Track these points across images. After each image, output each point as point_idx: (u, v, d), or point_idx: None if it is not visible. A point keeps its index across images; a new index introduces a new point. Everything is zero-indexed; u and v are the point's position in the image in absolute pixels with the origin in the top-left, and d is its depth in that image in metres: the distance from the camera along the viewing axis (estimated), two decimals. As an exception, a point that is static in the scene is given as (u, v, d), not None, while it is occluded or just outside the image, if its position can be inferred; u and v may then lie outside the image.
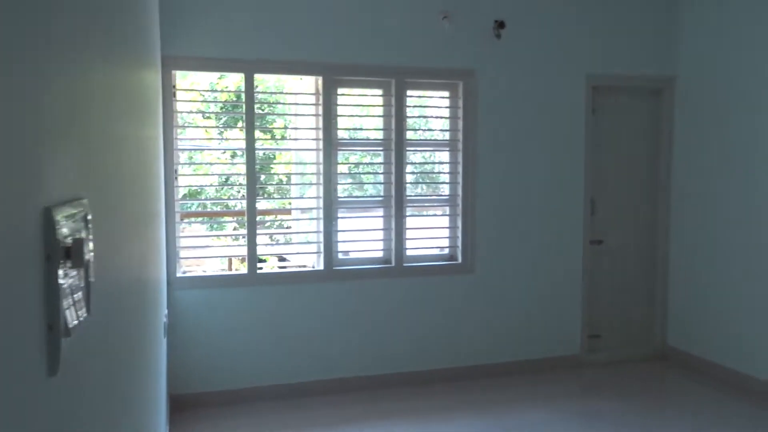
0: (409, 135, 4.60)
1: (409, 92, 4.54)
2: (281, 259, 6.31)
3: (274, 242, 6.05)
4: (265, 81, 8.73)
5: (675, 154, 5.11)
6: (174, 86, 4.08)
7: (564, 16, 4.79)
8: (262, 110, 4.65)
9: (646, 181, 5.18)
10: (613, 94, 5.02)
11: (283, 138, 8.17)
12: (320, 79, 4.33)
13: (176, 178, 4.11)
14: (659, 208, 5.18)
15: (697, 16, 4.87)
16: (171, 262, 4.02)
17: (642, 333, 5.25)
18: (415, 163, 4.86)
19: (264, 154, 9.78)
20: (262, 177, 4.87)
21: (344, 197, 4.56)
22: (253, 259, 4.24)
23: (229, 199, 7.74)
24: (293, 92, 4.81)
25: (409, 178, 4.64)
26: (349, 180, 5.18)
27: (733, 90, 4.58)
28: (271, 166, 9.44)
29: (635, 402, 4.31)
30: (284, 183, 6.27)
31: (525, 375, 4.79)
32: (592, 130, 4.93)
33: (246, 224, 4.22)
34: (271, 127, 8.51)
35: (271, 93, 6.31)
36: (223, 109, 5.35)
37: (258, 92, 4.60)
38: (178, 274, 4.10)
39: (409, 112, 4.59)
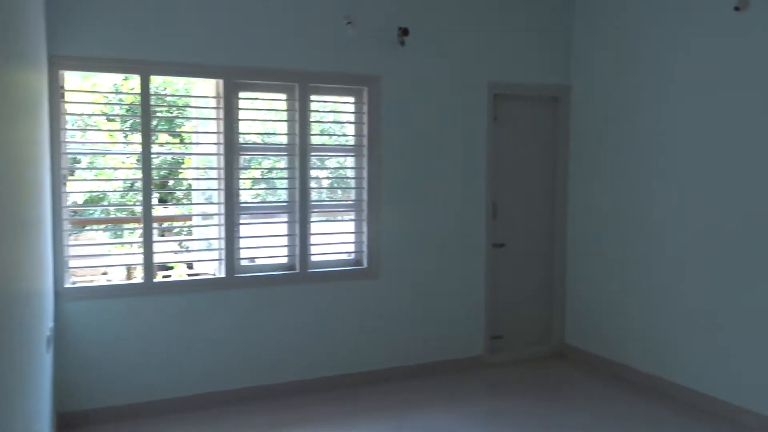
0: (315, 140, 4.58)
1: (313, 97, 4.52)
2: (190, 266, 6.13)
3: (184, 249, 5.87)
4: (174, 83, 8.49)
5: (571, 160, 5.34)
6: (62, 87, 3.88)
7: (467, 26, 4.91)
8: (171, 113, 4.51)
9: (545, 185, 5.38)
10: (514, 101, 5.19)
11: (190, 143, 7.96)
12: (221, 83, 4.24)
13: (65, 183, 3.91)
14: (557, 212, 5.39)
15: (589, 31, 5.11)
16: (58, 272, 3.82)
17: (542, 332, 5.45)
18: (320, 168, 4.84)
19: (173, 158, 9.46)
20: (171, 182, 4.73)
21: (248, 203, 4.47)
22: (150, 267, 4.09)
23: (134, 204, 7.45)
24: (194, 95, 4.67)
25: (314, 183, 4.62)
26: (263, 185, 5.09)
27: (621, 99, 4.84)
28: (180, 171, 9.19)
29: (536, 399, 4.46)
30: (189, 189, 6.09)
31: (429, 377, 4.86)
32: (493, 137, 5.08)
33: (143, 231, 4.07)
34: (179, 130, 8.26)
35: (180, 96, 6.14)
36: (129, 112, 5.13)
37: (168, 95, 4.49)
38: (67, 285, 3.89)
39: (314, 117, 4.57)
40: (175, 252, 5.10)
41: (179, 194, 6.06)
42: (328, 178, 5.02)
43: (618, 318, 4.92)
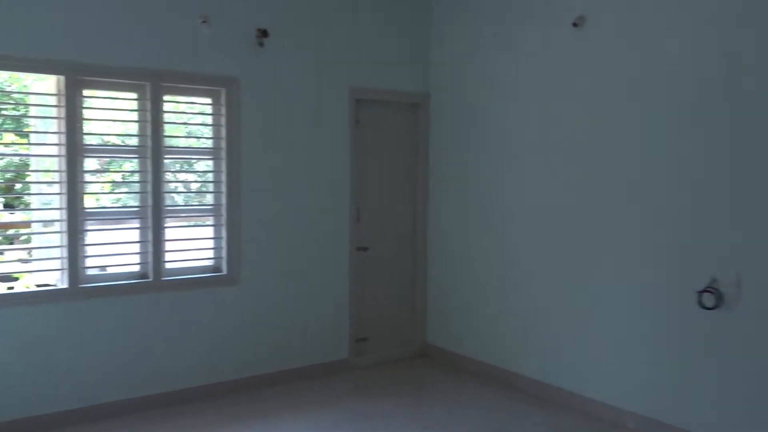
0: (170, 142, 4.40)
1: (167, 97, 4.34)
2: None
3: (30, 258, 5.40)
4: (21, 79, 7.81)
5: (431, 164, 5.51)
6: None
7: (329, 31, 4.93)
8: (18, 111, 4.14)
9: (407, 189, 5.51)
10: (376, 107, 5.27)
11: (33, 143, 7.36)
12: (63, 79, 3.96)
13: None
14: (418, 215, 5.54)
15: (447, 41, 5.31)
16: None
17: (406, 333, 5.57)
18: (176, 172, 4.65)
19: (21, 160, 8.69)
20: (18, 185, 4.37)
21: (94, 208, 4.20)
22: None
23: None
24: (33, 92, 4.31)
25: (169, 187, 4.43)
26: (125, 189, 4.76)
27: (474, 107, 5.06)
28: (27, 173, 8.48)
29: (400, 399, 4.55)
30: (30, 193, 5.63)
31: (295, 383, 4.82)
32: (356, 141, 5.13)
33: (-30, 240, 3.70)
34: (27, 130, 7.60)
35: (28, 93, 5.63)
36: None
37: (14, 92, 4.18)
38: None
39: (169, 118, 4.39)
40: (23, 261, 4.68)
41: (27, 199, 5.58)
42: (184, 181, 4.82)
43: (472, 316, 5.13)
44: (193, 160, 4.64)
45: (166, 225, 4.35)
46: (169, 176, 4.45)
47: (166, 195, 4.38)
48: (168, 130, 4.39)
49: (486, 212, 5.00)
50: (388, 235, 5.41)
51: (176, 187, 4.68)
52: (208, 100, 4.56)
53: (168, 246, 4.36)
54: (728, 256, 3.53)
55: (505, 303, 4.86)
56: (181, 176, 4.78)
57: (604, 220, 4.16)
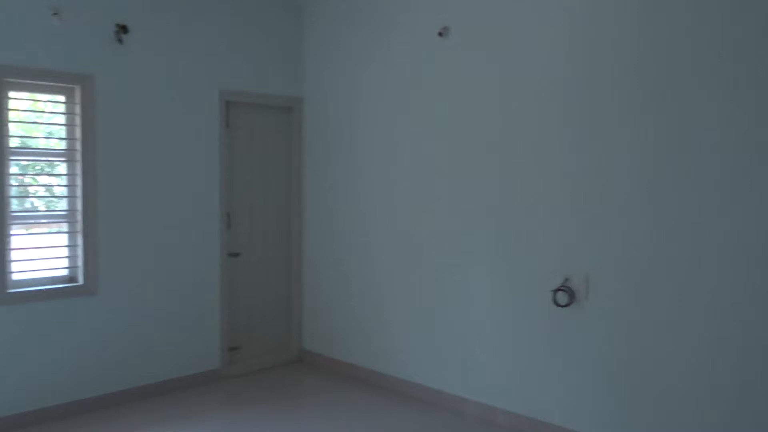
0: (17, 143, 4.05)
1: (13, 94, 4.00)
2: None
3: None
4: None
5: (304, 169, 5.47)
6: None
7: (197, 30, 4.75)
8: None
9: (281, 194, 5.43)
10: (248, 110, 5.15)
11: None
12: None
13: None
14: (292, 220, 5.48)
15: (320, 46, 5.29)
16: None
17: (280, 340, 5.48)
18: (23, 175, 4.29)
19: None
20: None
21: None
22: None
23: None
24: None
25: (14, 191, 4.07)
26: None
27: (347, 113, 5.08)
28: None
29: (273, 407, 4.45)
30: None
31: (162, 397, 4.59)
32: (226, 145, 4.99)
33: None
34: None
35: None
36: None
37: None
38: None
39: (16, 116, 4.04)
40: None
41: None
42: (33, 185, 4.45)
43: (347, 320, 5.14)
44: (46, 163, 4.30)
45: (12, 233, 4.00)
46: (15, 179, 4.09)
47: (12, 200, 4.03)
48: (18, 129, 4.05)
49: (358, 216, 5.03)
50: (261, 241, 5.30)
51: (25, 191, 4.31)
52: (62, 98, 4.25)
53: (15, 255, 4.01)
54: (578, 257, 3.76)
55: (378, 306, 4.91)
56: (33, 180, 4.41)
57: (470, 222, 4.30)
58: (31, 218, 4.25)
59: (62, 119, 4.27)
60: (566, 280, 3.82)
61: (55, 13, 4.03)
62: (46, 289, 4.13)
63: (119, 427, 4.06)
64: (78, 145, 4.24)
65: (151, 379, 4.62)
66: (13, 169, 4.05)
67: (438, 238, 4.49)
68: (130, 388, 4.50)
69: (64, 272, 4.28)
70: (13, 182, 4.05)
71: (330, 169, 5.25)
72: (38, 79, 4.06)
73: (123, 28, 4.30)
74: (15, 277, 4.03)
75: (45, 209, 4.27)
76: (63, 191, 4.29)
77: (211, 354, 4.96)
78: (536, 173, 3.94)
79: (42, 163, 4.24)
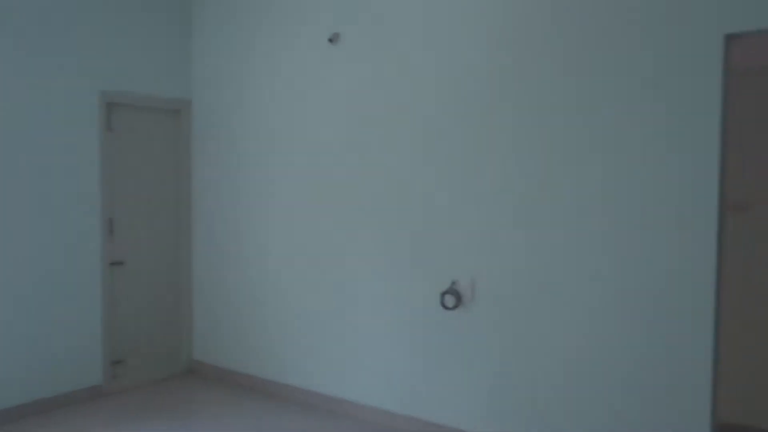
0: None
1: None
2: None
3: None
4: None
5: (193, 173, 5.31)
6: None
7: (75, 29, 4.50)
8: None
9: (169, 200, 5.24)
10: (132, 112, 4.93)
11: None
12: None
13: None
14: (182, 227, 5.30)
15: (208, 49, 5.16)
16: None
17: (169, 351, 5.28)
18: None
19: None
20: None
21: None
22: None
23: None
24: None
25: None
26: None
27: (236, 118, 4.99)
28: None
29: (163, 421, 4.27)
30: None
31: (39, 416, 4.30)
32: (108, 148, 4.76)
33: None
34: None
35: None
36: None
37: None
38: None
39: None
40: None
41: None
42: None
43: (239, 329, 5.04)
44: None
45: None
46: None
47: None
48: None
49: (247, 221, 4.95)
50: (147, 248, 5.09)
51: None
52: None
53: None
54: (465, 262, 3.89)
55: (272, 313, 4.85)
56: None
57: (359, 228, 4.34)
58: None
59: None
60: (453, 283, 3.93)
61: None
62: None
63: (-14, 452, 3.78)
64: (-64, 149, 3.90)
65: (28, 398, 4.32)
66: None
67: (328, 244, 4.49)
68: (4, 408, 4.18)
69: None
70: None
71: (220, 173, 5.13)
72: None
73: (-12, 23, 4.00)
74: None
75: None
76: None
77: (93, 369, 4.71)
78: (423, 178, 4.03)
79: None
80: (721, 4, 3.00)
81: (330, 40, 4.39)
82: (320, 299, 4.55)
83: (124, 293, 4.93)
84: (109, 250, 4.78)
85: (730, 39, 3.06)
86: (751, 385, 4.02)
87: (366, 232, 4.31)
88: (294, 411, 4.51)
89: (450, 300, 3.93)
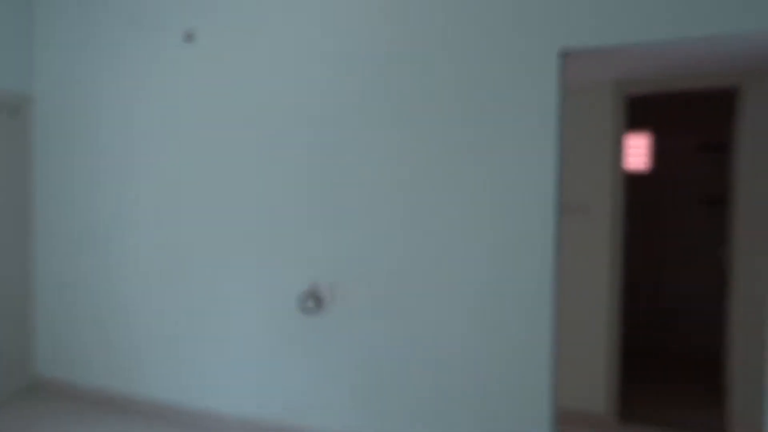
0: None
1: None
2: None
3: None
4: None
5: (36, 178, 4.92)
6: None
7: None
8: None
9: (8, 205, 4.82)
10: (-38, 107, 4.48)
11: None
12: None
13: None
14: (22, 234, 4.89)
15: (52, 43, 4.81)
16: None
17: (8, 367, 4.85)
18: None
19: None
20: None
21: None
22: None
23: None
24: None
25: None
26: None
27: (86, 119, 4.69)
28: None
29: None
30: None
31: None
32: (-67, 147, 4.29)
33: None
34: None
35: None
36: None
37: None
38: None
39: None
40: None
41: None
42: None
43: (89, 340, 4.75)
44: None
45: None
46: None
47: None
48: None
49: (98, 226, 4.67)
50: (-18, 257, 4.65)
51: None
52: None
53: None
54: (324, 266, 3.92)
55: (125, 323, 4.60)
56: None
57: (220, 232, 4.24)
58: None
59: None
60: (312, 286, 3.95)
61: None
62: None
63: None
64: None
65: None
66: None
67: (188, 248, 4.35)
68: None
69: None
70: None
71: (67, 176, 4.79)
72: None
73: None
74: None
75: None
76: None
77: None
78: (283, 183, 4.02)
79: None
80: (556, 25, 3.26)
81: (186, 39, 4.25)
82: (180, 307, 4.39)
83: (-46, 307, 4.47)
84: (-67, 260, 4.31)
85: (566, 56, 3.34)
86: (584, 373, 4.41)
87: (227, 238, 4.22)
88: (153, 426, 4.31)
89: (310, 302, 3.94)
